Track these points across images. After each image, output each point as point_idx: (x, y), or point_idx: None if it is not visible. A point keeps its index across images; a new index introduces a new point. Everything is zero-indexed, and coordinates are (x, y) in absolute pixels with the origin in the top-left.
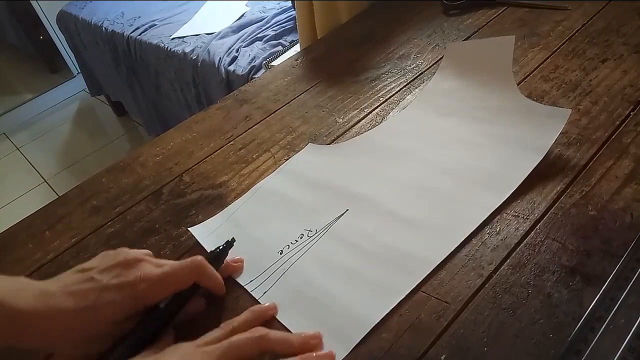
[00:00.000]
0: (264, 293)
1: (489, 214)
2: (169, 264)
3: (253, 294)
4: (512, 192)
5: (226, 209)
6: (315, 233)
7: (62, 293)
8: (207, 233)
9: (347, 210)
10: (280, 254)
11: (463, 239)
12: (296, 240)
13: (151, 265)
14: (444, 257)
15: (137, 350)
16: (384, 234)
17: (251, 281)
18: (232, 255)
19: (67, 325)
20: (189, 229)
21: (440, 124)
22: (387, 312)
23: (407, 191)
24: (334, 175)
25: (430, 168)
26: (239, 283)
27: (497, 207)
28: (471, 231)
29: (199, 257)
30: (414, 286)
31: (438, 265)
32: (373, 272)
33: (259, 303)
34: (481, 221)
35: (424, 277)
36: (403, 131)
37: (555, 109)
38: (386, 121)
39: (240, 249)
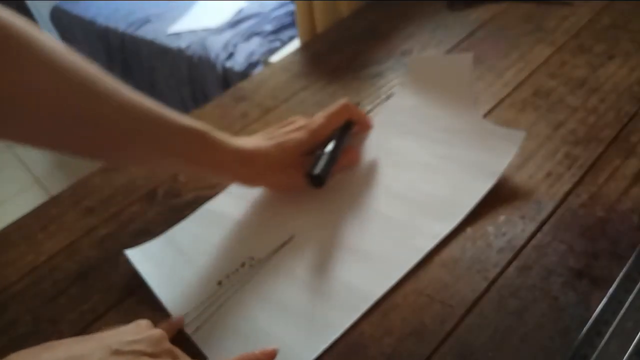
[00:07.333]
0: (197, 328)
1: (435, 243)
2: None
3: (185, 329)
4: (461, 219)
5: (169, 231)
6: (258, 262)
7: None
8: (146, 258)
9: (293, 236)
10: (219, 284)
11: (407, 271)
12: (237, 270)
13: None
14: (385, 291)
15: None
16: (327, 264)
17: (185, 313)
18: (172, 283)
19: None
20: (126, 252)
21: (397, 143)
22: (321, 351)
23: (355, 217)
24: (283, 196)
25: (382, 192)
26: (167, 314)
27: (444, 235)
28: (416, 262)
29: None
30: (351, 324)
31: (441, 269)
32: (312, 309)
33: (190, 338)
34: (427, 251)
35: (362, 313)
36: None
37: (510, 130)
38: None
39: (179, 277)
